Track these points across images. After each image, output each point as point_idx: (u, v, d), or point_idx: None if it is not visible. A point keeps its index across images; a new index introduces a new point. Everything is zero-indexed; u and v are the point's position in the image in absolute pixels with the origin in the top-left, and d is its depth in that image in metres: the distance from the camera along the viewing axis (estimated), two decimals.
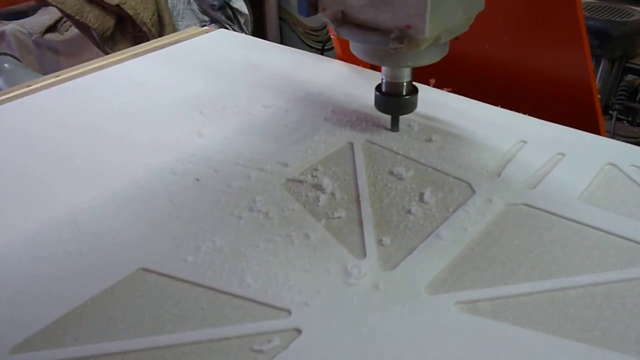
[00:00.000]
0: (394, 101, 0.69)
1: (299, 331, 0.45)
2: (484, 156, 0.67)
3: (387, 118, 0.73)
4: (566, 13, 0.79)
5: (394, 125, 0.72)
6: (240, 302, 0.48)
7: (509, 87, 0.89)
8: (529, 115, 0.74)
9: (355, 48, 0.67)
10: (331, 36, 0.92)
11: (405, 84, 0.68)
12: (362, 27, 0.61)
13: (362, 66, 0.89)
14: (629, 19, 1.51)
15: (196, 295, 0.49)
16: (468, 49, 0.65)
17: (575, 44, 0.81)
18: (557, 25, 0.81)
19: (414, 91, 0.69)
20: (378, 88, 0.70)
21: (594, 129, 0.80)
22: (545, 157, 0.66)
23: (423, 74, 0.74)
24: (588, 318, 0.47)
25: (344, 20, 0.62)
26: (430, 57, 0.64)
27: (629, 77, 1.55)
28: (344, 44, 0.91)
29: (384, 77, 0.69)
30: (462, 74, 0.79)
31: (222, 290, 0.49)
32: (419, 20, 0.57)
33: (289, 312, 0.47)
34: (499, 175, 0.63)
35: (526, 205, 0.59)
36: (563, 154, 0.67)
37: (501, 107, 0.76)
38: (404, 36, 0.58)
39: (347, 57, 0.92)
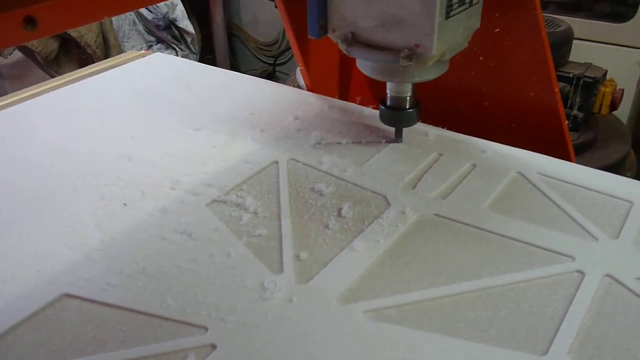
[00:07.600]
0: (398, 114, 0.74)
1: (214, 346, 0.48)
2: (402, 170, 0.71)
3: (310, 137, 0.76)
4: (530, 38, 0.81)
5: (398, 137, 0.76)
6: (159, 321, 0.50)
7: (478, 114, 0.91)
8: (498, 141, 0.77)
9: (362, 66, 0.71)
10: (300, 68, 0.94)
11: (408, 98, 0.72)
12: (371, 46, 0.65)
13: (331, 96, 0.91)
14: (556, 30, 1.59)
15: (117, 318, 0.51)
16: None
17: (540, 69, 0.83)
18: (523, 50, 0.83)
19: (416, 104, 0.73)
20: (383, 102, 0.74)
21: (563, 152, 0.83)
22: (459, 169, 0.71)
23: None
24: (485, 319, 0.50)
25: (354, 40, 0.66)
26: (434, 73, 0.69)
27: (559, 84, 1.62)
28: (313, 75, 0.94)
29: (388, 92, 0.73)
30: (432, 102, 0.81)
31: (142, 312, 0.51)
32: (427, 40, 0.61)
33: (206, 328, 0.49)
34: (414, 188, 0.67)
35: (437, 215, 0.63)
36: (475, 165, 0.71)
37: (471, 134, 0.79)
38: (413, 54, 0.62)
39: (316, 88, 0.94)
